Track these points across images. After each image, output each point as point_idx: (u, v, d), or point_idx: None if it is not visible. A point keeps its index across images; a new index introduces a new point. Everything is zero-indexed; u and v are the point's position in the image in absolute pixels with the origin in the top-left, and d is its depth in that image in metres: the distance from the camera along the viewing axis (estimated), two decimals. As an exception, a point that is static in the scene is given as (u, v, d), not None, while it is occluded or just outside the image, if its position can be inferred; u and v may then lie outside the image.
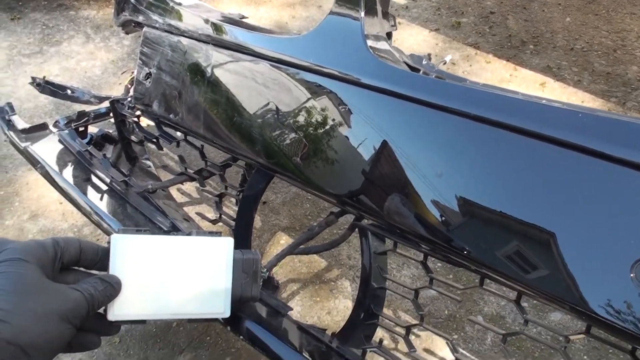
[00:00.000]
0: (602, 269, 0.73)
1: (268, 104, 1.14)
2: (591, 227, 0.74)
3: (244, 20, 1.65)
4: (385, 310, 1.64)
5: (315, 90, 1.07)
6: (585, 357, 1.54)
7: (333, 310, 1.68)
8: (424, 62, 1.33)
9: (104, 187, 1.48)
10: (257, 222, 1.98)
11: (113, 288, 0.72)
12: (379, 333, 1.53)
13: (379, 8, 1.14)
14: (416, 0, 3.57)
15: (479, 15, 3.41)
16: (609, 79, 2.74)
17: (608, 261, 0.72)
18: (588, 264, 0.74)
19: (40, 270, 0.64)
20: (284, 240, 1.91)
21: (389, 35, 1.25)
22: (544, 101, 0.89)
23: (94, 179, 1.52)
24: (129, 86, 1.92)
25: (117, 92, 2.71)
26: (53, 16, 3.29)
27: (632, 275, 0.70)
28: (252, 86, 1.18)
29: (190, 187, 2.10)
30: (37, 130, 1.68)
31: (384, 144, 0.95)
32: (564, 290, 0.76)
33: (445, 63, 1.50)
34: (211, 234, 0.85)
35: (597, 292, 0.73)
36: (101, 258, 0.75)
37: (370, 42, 1.05)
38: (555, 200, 0.77)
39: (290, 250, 1.23)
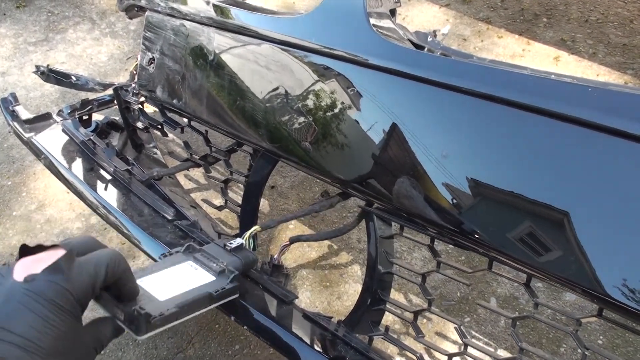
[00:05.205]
0: (615, 251, 0.70)
1: (272, 87, 1.12)
2: (603, 207, 0.71)
3: (246, 1, 1.61)
4: (395, 294, 1.63)
5: (318, 71, 1.04)
6: (601, 337, 1.51)
7: (343, 294, 1.66)
8: (429, 39, 1.29)
9: (108, 177, 1.47)
10: (266, 206, 1.96)
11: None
12: (389, 318, 1.51)
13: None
14: (425, -25, 3.49)
15: (490, -12, 3.32)
16: (625, 51, 2.66)
17: (621, 242, 0.70)
18: (600, 246, 0.71)
19: (75, 318, 0.60)
20: (292, 225, 1.89)
21: (392, 12, 1.21)
22: (552, 76, 0.86)
23: (98, 169, 1.50)
24: (134, 72, 1.90)
25: (123, 78, 2.69)
26: (58, 3, 3.26)
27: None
28: (254, 69, 1.16)
29: (198, 173, 2.09)
30: (41, 120, 1.67)
31: (388, 124, 0.92)
32: (575, 273, 0.73)
33: (445, 35, 1.44)
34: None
35: (610, 274, 0.70)
36: None
37: (373, 20, 1.02)
38: (566, 180, 0.74)
39: (288, 218, 1.31)
